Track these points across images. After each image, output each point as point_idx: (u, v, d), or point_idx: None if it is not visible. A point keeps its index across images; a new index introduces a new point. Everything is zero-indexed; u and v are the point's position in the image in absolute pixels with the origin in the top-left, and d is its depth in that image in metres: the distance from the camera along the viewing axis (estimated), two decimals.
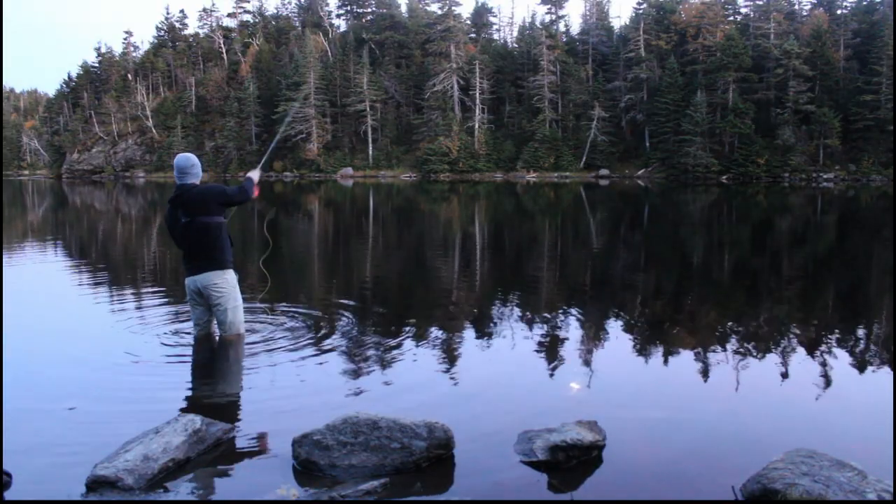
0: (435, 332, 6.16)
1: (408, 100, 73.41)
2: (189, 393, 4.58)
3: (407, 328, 6.31)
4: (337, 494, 3.00)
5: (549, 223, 21.15)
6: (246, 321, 5.74)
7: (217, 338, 5.57)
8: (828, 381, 4.89)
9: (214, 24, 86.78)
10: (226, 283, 5.28)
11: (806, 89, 57.22)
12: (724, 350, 5.65)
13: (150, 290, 8.51)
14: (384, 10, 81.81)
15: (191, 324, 6.22)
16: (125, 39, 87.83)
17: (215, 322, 5.57)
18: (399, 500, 3.08)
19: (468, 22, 78.58)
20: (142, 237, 16.95)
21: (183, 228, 5.29)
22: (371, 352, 5.50)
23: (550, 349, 5.69)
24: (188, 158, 5.34)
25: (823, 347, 5.79)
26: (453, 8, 72.62)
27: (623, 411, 4.20)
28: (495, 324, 6.62)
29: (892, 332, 6.40)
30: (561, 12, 78.32)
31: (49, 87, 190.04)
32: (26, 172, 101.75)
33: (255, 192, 5.49)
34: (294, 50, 77.32)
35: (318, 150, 70.98)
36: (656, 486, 3.26)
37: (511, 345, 5.83)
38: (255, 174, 5.55)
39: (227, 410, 4.22)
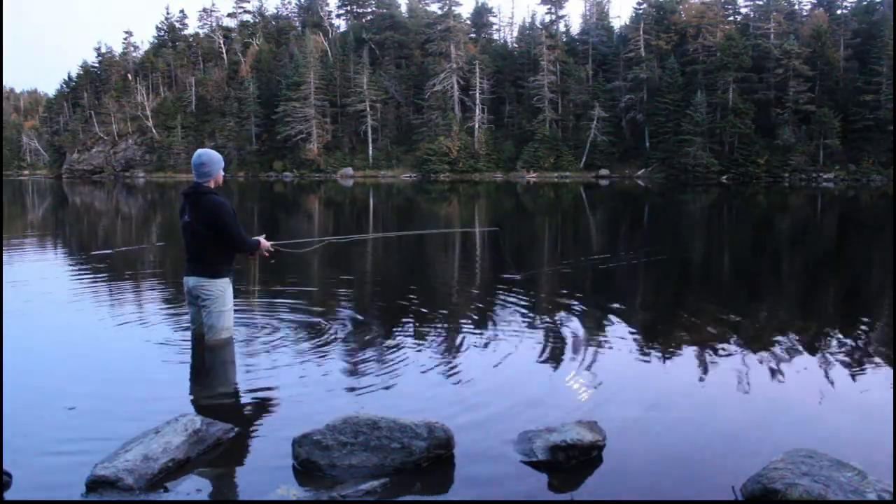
0: (435, 333, 6.16)
1: (408, 100, 73.43)
2: (189, 393, 4.58)
3: (407, 328, 6.30)
4: (337, 494, 3.00)
5: (549, 222, 21.16)
6: (244, 323, 5.73)
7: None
8: (828, 381, 4.88)
9: (214, 24, 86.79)
10: (214, 287, 5.25)
11: (806, 89, 57.28)
12: (725, 350, 5.64)
13: (150, 289, 8.51)
14: (384, 10, 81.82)
15: (188, 323, 6.25)
16: (125, 39, 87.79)
17: None
18: (399, 500, 3.08)
19: (468, 22, 78.63)
20: (142, 237, 16.95)
21: (182, 227, 5.30)
22: (371, 352, 5.50)
23: (550, 349, 5.69)
24: (199, 157, 5.27)
25: (823, 347, 5.79)
26: (453, 8, 72.67)
27: (623, 411, 4.20)
28: (495, 324, 6.62)
29: (891, 332, 6.40)
30: (561, 12, 78.40)
31: (49, 87, 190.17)
32: (26, 172, 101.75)
33: (253, 256, 5.53)
34: (294, 50, 77.32)
35: (318, 150, 71.00)
36: (656, 486, 3.26)
37: (511, 345, 5.82)
38: (265, 243, 5.52)
39: (227, 410, 4.21)
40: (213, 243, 5.19)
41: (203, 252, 5.23)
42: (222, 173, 5.39)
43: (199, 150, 5.38)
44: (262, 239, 5.52)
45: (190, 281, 5.30)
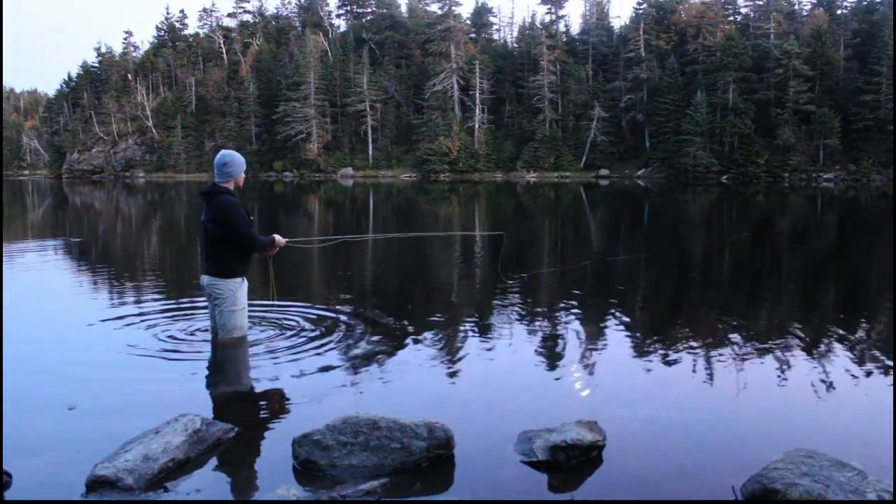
0: (435, 332, 6.16)
1: (408, 100, 73.42)
2: (189, 393, 4.58)
3: (407, 328, 6.30)
4: (337, 494, 3.00)
5: (549, 222, 21.15)
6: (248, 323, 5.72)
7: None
8: (828, 381, 4.88)
9: (214, 24, 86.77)
10: (225, 286, 5.29)
11: (806, 89, 57.28)
12: (725, 350, 5.64)
13: (151, 289, 8.51)
14: (384, 10, 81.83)
15: (189, 323, 6.26)
16: (125, 39, 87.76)
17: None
18: (399, 500, 3.08)
19: (468, 22, 78.61)
20: (142, 236, 16.95)
21: (202, 225, 5.37)
22: (371, 352, 5.50)
23: (550, 349, 5.69)
24: (222, 157, 5.35)
25: (823, 347, 5.79)
26: (453, 8, 72.65)
27: (623, 411, 4.20)
28: (495, 324, 6.62)
29: (892, 332, 6.40)
30: (561, 12, 78.39)
31: (49, 87, 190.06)
32: (26, 172, 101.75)
33: (269, 252, 5.55)
34: (294, 50, 77.31)
35: (318, 150, 71.00)
36: (656, 486, 3.26)
37: (511, 345, 5.82)
38: (281, 240, 5.55)
39: (227, 410, 4.22)
40: (224, 243, 5.24)
41: (215, 251, 5.29)
42: (243, 175, 5.44)
43: (224, 151, 5.50)
44: (276, 236, 5.54)
45: (204, 279, 5.38)
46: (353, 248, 12.35)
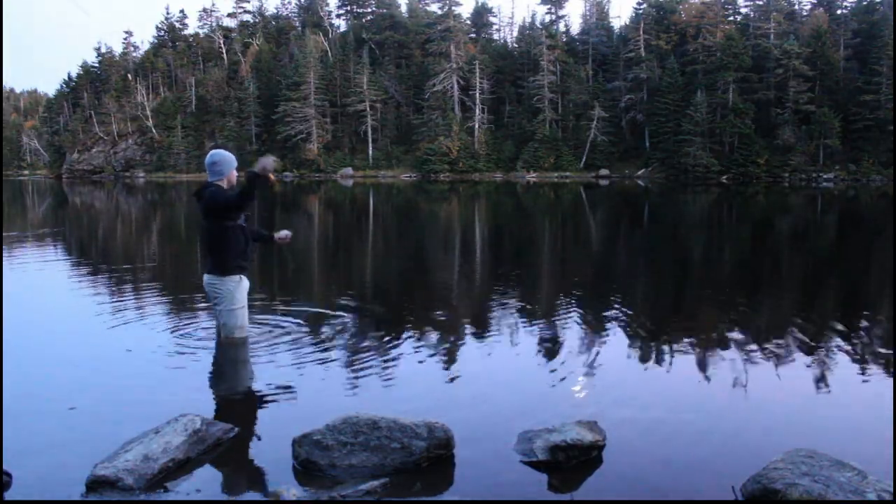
0: (435, 333, 6.16)
1: (408, 100, 73.38)
2: (189, 393, 4.58)
3: (407, 328, 6.30)
4: (337, 494, 3.00)
5: (549, 223, 21.15)
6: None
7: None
8: (828, 381, 4.88)
9: (214, 24, 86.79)
10: (223, 285, 5.29)
11: (806, 89, 57.27)
12: (725, 350, 5.64)
13: (151, 289, 8.51)
14: (384, 10, 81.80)
15: (189, 323, 6.26)
16: (125, 39, 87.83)
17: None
18: (399, 500, 3.08)
19: (468, 22, 78.58)
20: (142, 236, 16.95)
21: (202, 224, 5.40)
22: (371, 352, 5.50)
23: (550, 349, 5.68)
24: (211, 156, 5.33)
25: (823, 347, 5.78)
26: (453, 8, 72.64)
27: (623, 411, 4.19)
28: (495, 324, 6.61)
29: (892, 331, 6.40)
30: (561, 12, 78.40)
31: (49, 87, 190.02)
32: (26, 172, 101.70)
33: (256, 184, 4.86)
34: (294, 50, 77.31)
35: (318, 150, 70.99)
36: (656, 487, 3.26)
37: (511, 345, 5.82)
38: (268, 162, 4.92)
39: (227, 410, 4.22)
40: (218, 238, 5.24)
41: (211, 248, 5.31)
42: (235, 173, 5.41)
43: (213, 151, 5.45)
44: (261, 160, 4.95)
45: (205, 278, 5.40)
46: (353, 247, 12.35)
